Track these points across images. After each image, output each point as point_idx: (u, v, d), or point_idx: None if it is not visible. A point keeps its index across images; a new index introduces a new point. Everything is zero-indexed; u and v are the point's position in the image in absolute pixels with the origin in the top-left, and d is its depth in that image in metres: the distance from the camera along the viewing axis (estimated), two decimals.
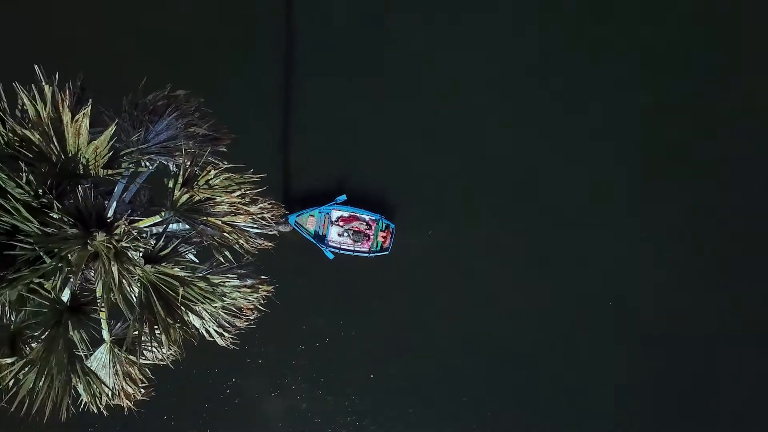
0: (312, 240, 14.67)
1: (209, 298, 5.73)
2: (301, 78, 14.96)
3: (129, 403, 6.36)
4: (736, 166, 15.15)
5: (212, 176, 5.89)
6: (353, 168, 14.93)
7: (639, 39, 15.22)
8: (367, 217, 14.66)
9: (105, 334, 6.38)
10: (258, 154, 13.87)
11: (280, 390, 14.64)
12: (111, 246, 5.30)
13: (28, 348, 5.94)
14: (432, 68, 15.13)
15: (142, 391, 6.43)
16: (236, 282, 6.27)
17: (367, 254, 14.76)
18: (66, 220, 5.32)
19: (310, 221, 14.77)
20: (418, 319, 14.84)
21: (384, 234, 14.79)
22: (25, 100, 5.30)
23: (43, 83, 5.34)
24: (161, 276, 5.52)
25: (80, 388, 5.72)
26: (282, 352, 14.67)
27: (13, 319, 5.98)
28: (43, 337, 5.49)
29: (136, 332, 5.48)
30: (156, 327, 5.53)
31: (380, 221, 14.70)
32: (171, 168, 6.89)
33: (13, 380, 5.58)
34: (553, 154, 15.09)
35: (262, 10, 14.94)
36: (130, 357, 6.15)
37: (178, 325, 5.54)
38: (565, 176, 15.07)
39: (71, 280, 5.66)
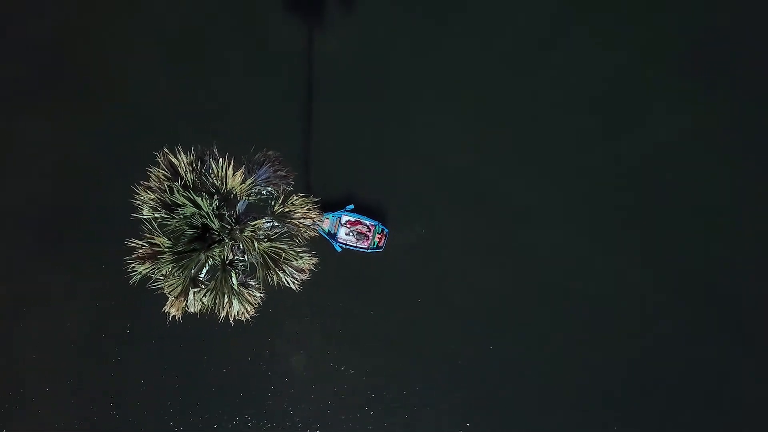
0: (326, 236, 21.78)
1: (295, 258, 12.87)
2: (320, 120, 22.37)
3: (248, 317, 13.46)
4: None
5: (295, 199, 13.04)
6: (360, 185, 22.32)
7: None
8: (368, 223, 21.81)
9: (233, 281, 13.43)
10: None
11: (300, 344, 21.89)
12: (254, 233, 12.45)
13: (200, 285, 13.06)
14: (419, 108, 22.56)
15: (253, 311, 13.58)
16: (303, 253, 13.41)
17: (366, 250, 21.89)
18: (230, 220, 12.45)
19: (325, 222, 21.85)
20: (401, 296, 21.95)
21: (380, 236, 21.92)
22: (212, 164, 12.43)
23: (218, 156, 12.49)
24: (273, 247, 12.66)
25: (235, 302, 12.81)
26: (299, 315, 21.88)
27: (193, 271, 13.06)
28: (215, 276, 12.68)
29: (259, 275, 12.74)
30: (268, 271, 12.69)
31: (378, 226, 21.82)
32: (265, 193, 14.01)
33: (198, 300, 12.74)
34: (521, 171, 22.37)
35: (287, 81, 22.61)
36: (249, 291, 13.27)
37: (281, 271, 12.68)
38: (534, 187, 22.33)
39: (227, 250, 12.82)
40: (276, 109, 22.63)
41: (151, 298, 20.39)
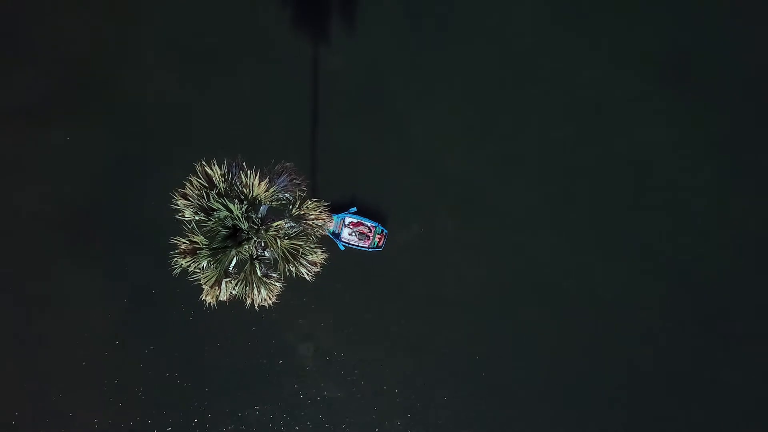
0: (331, 236, 24.92)
1: (310, 252, 16.03)
2: (324, 130, 25.57)
3: (269, 303, 16.58)
4: None
5: (309, 203, 16.18)
6: (362, 189, 25.46)
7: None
8: (369, 224, 24.93)
9: (258, 272, 16.54)
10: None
11: (307, 335, 25.04)
12: (276, 232, 15.57)
13: (230, 276, 16.19)
14: (415, 118, 25.72)
15: (274, 298, 16.69)
16: (316, 248, 16.58)
17: (367, 249, 25.01)
18: (256, 221, 15.57)
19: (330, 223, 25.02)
20: (397, 287, 25.18)
21: (379, 236, 25.03)
22: (242, 177, 15.55)
23: (246, 169, 15.60)
24: (292, 244, 15.79)
25: (263, 289, 15.91)
26: (306, 309, 25.01)
27: (225, 265, 16.17)
28: (244, 269, 15.79)
29: (280, 265, 15.88)
30: (288, 264, 15.83)
31: (377, 227, 24.96)
32: (283, 198, 17.13)
33: (230, 289, 15.89)
34: (513, 174, 25.59)
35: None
36: (271, 281, 16.40)
37: (298, 263, 15.84)
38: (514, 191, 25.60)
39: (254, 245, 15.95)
40: (282, 119, 25.83)
41: (170, 296, 23.88)
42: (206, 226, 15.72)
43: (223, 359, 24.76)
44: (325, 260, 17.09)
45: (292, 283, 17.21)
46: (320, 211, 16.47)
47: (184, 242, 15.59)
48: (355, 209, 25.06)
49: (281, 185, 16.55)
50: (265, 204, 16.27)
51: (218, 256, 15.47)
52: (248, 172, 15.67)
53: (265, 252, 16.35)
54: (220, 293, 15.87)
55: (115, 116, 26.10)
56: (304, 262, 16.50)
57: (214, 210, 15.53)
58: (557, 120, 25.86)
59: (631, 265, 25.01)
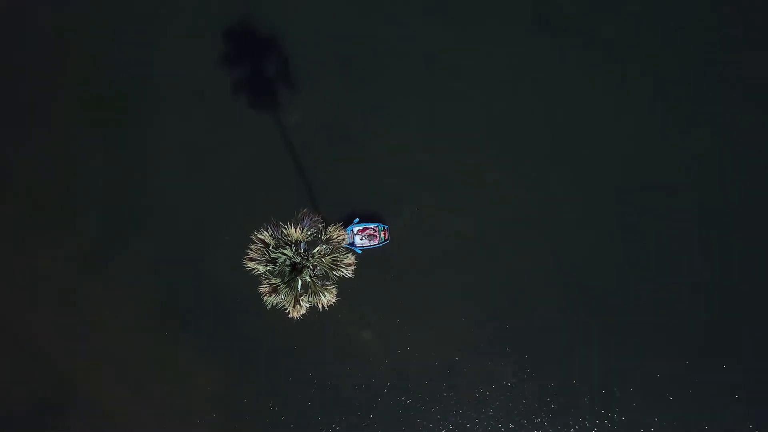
0: (347, 247, 33.87)
1: (344, 257, 25.04)
2: (311, 174, 34.62)
3: (325, 306, 25.50)
4: None
5: (333, 229, 25.21)
6: (356, 202, 34.52)
7: None
8: (372, 226, 33.91)
9: (318, 284, 25.55)
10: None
11: (363, 323, 34.15)
12: (321, 255, 24.61)
13: (303, 296, 25.23)
14: (374, 142, 34.80)
15: (334, 299, 25.67)
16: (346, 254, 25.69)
17: (378, 245, 34.07)
18: (304, 254, 24.63)
19: None
20: (408, 266, 34.36)
21: (384, 232, 34.01)
22: (283, 228, 24.50)
23: (288, 223, 24.60)
24: (333, 258, 24.81)
25: (324, 297, 24.82)
26: (352, 304, 34.09)
27: (297, 290, 25.14)
28: (308, 289, 24.85)
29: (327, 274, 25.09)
30: (333, 271, 24.93)
31: (380, 226, 33.94)
32: (311, 233, 26.15)
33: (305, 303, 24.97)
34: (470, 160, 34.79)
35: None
36: (325, 288, 25.42)
37: (340, 268, 24.91)
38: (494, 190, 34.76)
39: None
40: (276, 175, 34.85)
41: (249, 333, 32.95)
42: (274, 270, 24.66)
43: (299, 352, 34.04)
44: (354, 261, 26.05)
45: (341, 281, 26.18)
46: (339, 232, 25.47)
47: (266, 286, 24.62)
48: (357, 219, 34.10)
49: (307, 225, 25.53)
50: (303, 242, 25.24)
51: (292, 285, 24.48)
52: (285, 226, 24.65)
53: (315, 270, 25.35)
54: (301, 308, 24.86)
55: (155, 234, 35.26)
56: (343, 266, 25.55)
57: (276, 258, 24.52)
58: (483, 103, 35.13)
59: (572, 190, 34.55)
